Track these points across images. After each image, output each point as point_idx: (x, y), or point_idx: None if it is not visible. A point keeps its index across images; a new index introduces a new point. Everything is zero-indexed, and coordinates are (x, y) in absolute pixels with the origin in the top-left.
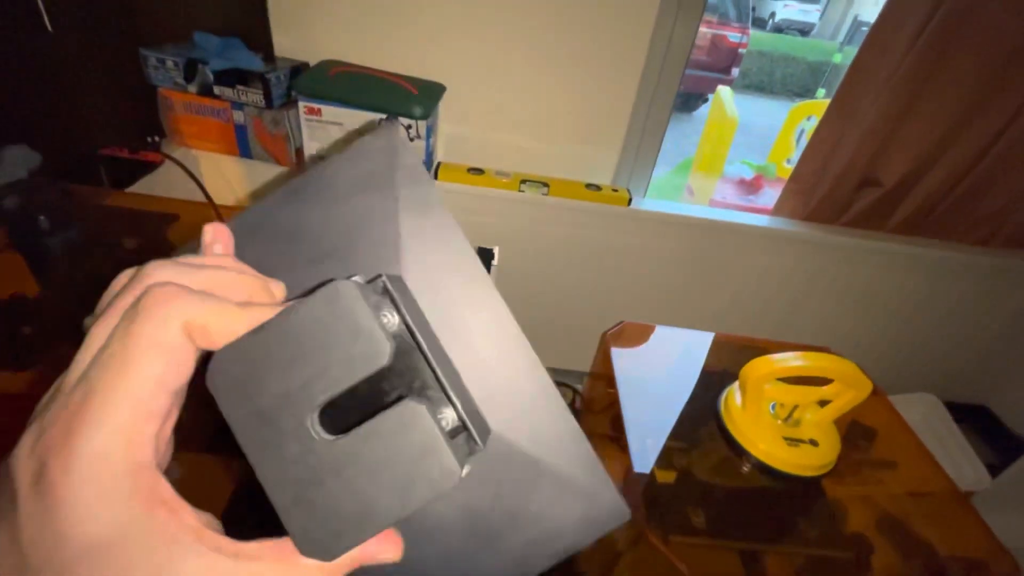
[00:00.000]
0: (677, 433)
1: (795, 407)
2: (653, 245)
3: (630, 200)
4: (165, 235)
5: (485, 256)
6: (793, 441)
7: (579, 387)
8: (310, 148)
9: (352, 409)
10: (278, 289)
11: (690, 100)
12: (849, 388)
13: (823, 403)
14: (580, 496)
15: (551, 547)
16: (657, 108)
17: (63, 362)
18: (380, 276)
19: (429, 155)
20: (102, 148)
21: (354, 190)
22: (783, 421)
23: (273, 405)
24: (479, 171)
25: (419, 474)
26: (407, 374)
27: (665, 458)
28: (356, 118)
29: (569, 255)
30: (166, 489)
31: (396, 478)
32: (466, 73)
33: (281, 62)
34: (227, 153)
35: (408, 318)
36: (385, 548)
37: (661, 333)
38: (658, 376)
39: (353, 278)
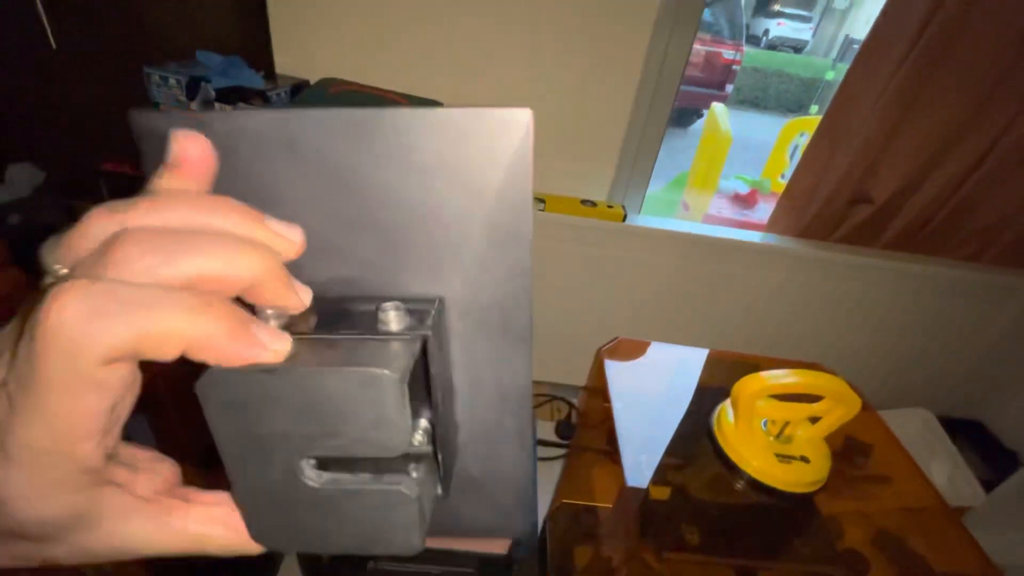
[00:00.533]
0: (671, 450)
1: (786, 424)
2: (648, 261)
3: (625, 216)
4: None
5: None
6: (785, 458)
7: (574, 401)
8: None
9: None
10: (293, 246)
11: (684, 115)
12: (839, 405)
13: (814, 420)
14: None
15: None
16: (652, 124)
17: None
18: (424, 325)
19: None
20: (104, 163)
21: (449, 166)
22: (775, 438)
23: (268, 437)
24: None
25: (384, 536)
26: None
27: (659, 474)
28: None
29: (565, 270)
30: (112, 472)
31: (363, 531)
32: (462, 89)
33: (282, 80)
34: None
35: (438, 399)
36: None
37: (656, 349)
38: (653, 392)
39: (391, 307)
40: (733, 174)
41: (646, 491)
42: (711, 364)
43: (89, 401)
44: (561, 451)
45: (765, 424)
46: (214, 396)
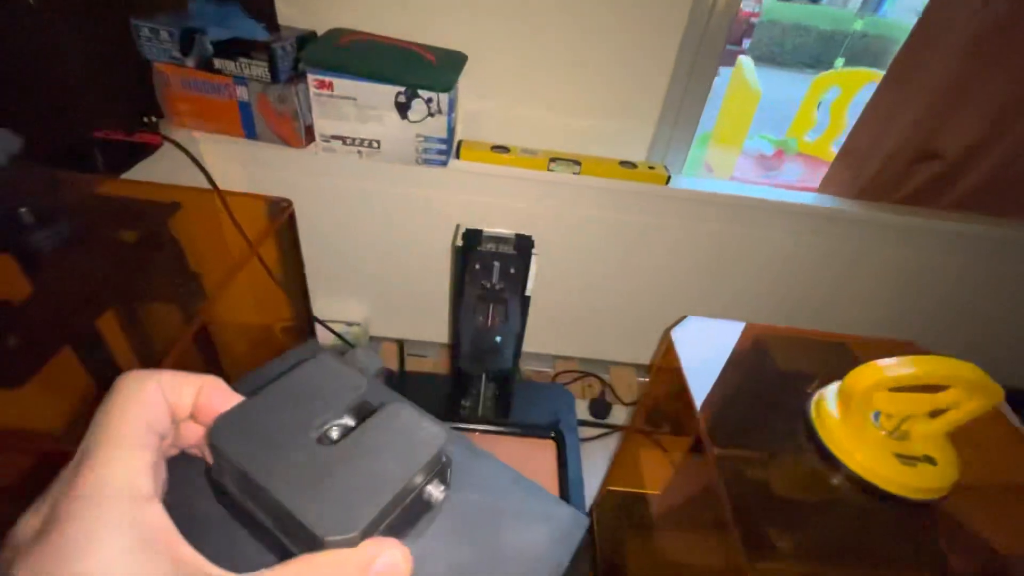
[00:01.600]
0: (754, 440)
1: (905, 418)
2: (692, 228)
3: (669, 178)
4: (167, 226)
5: (524, 244)
6: (907, 459)
7: (606, 377)
8: (322, 127)
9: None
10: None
11: None
12: (973, 396)
13: (934, 413)
14: (539, 520)
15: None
16: (698, 76)
17: (57, 376)
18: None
19: (451, 132)
20: (94, 131)
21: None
22: (889, 434)
23: (275, 433)
24: (504, 149)
25: (414, 443)
26: None
27: (742, 467)
28: (372, 93)
29: (599, 239)
30: (163, 518)
31: (396, 451)
32: (488, 41)
33: (286, 31)
34: (232, 135)
35: None
36: (394, 559)
37: (724, 327)
38: (728, 375)
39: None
40: (756, 133)
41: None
42: (788, 344)
43: (146, 411)
44: (598, 431)
45: (876, 417)
46: (223, 434)
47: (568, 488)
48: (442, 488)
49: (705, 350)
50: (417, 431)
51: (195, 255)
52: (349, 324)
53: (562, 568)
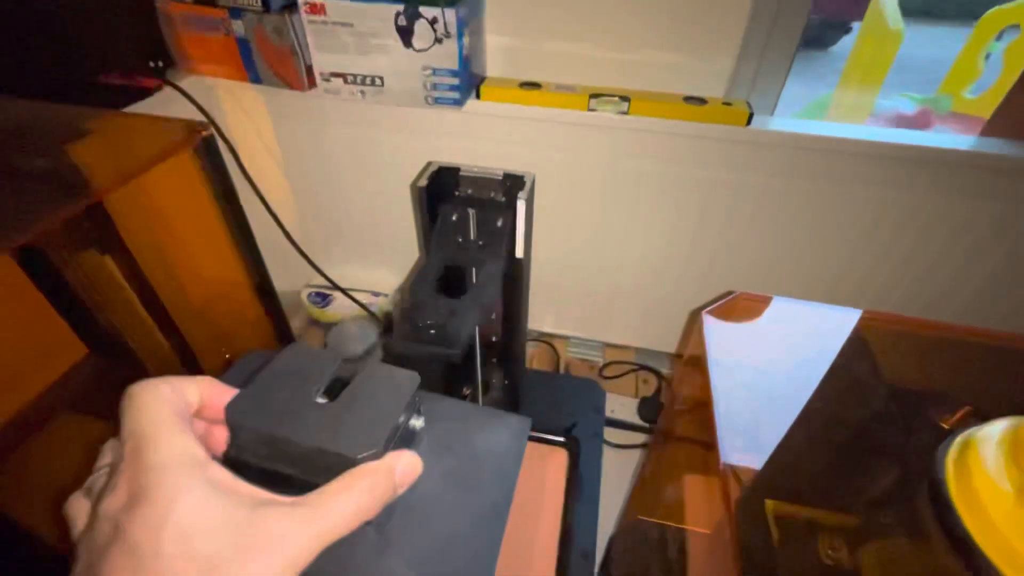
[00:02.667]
0: (830, 494)
1: None
2: (784, 185)
3: (751, 117)
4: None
5: (515, 183)
6: None
7: (664, 371)
8: (320, 63)
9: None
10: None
11: (826, 32)
12: None
13: None
14: (496, 427)
15: (504, 471)
16: None
17: None
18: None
19: (464, 64)
20: (102, 76)
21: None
22: None
23: (281, 403)
24: (535, 85)
25: (397, 385)
26: None
27: (811, 542)
28: (369, 15)
29: (661, 199)
30: (222, 470)
31: (386, 392)
32: None
33: None
34: (236, 78)
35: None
36: (410, 460)
37: (789, 309)
38: (786, 384)
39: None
40: (895, 94)
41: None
42: (911, 344)
43: (170, 402)
44: (645, 437)
45: None
46: (238, 412)
47: (575, 512)
48: (421, 419)
49: (760, 342)
50: (396, 377)
51: (100, 178)
52: (375, 294)
53: (521, 457)
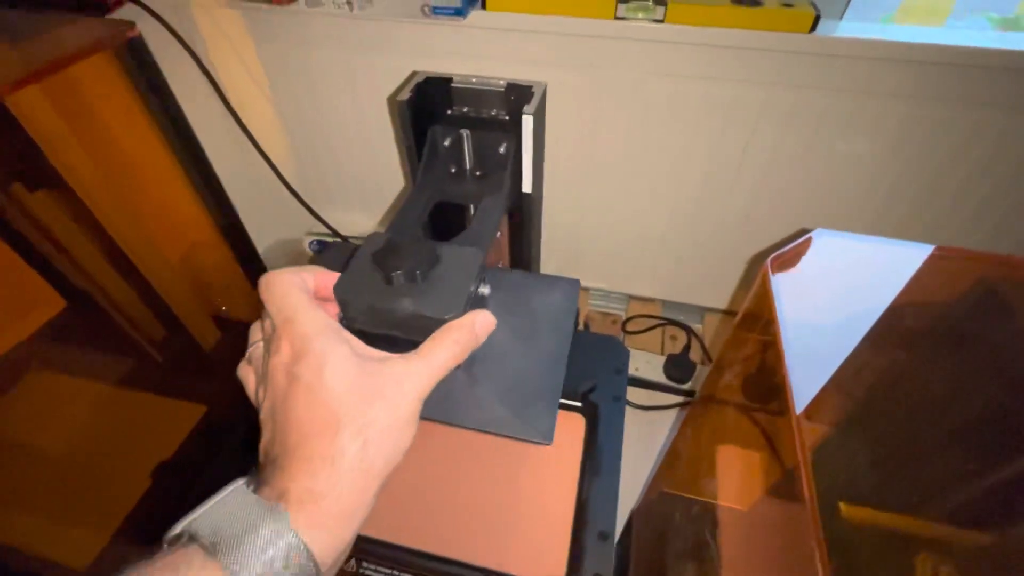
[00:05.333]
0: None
1: None
2: (851, 106)
3: (817, 20)
4: None
5: (521, 93)
6: None
7: (698, 327)
8: None
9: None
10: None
11: None
12: None
13: None
14: (550, 289)
15: (560, 325)
16: None
17: None
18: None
19: None
20: None
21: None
22: None
23: (376, 282)
24: None
25: (465, 262)
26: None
27: (895, 557)
28: None
29: (695, 129)
30: (349, 334)
31: (459, 267)
32: None
33: None
34: None
35: None
36: (485, 317)
37: (887, 253)
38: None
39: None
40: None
41: None
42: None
43: (299, 283)
44: (675, 399)
45: None
46: (344, 288)
47: (592, 484)
48: (487, 286)
49: (843, 293)
50: (464, 255)
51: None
52: None
53: (573, 312)
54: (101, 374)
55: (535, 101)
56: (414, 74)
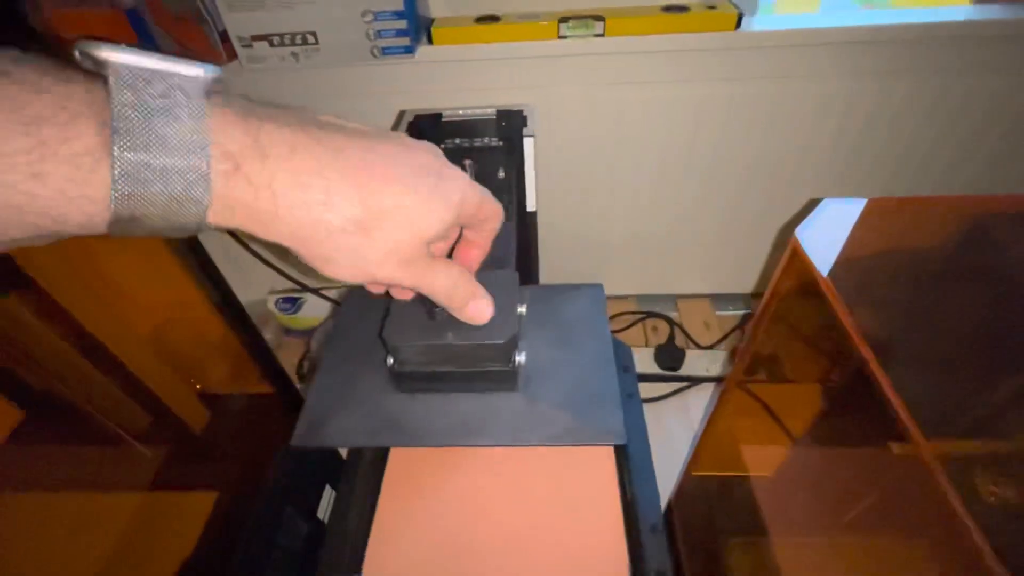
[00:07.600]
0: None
1: None
2: (778, 90)
3: (740, 20)
4: None
5: (513, 121)
6: None
7: (673, 315)
8: (235, 26)
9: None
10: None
11: None
12: None
13: None
14: (576, 297)
15: (595, 329)
16: None
17: None
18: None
19: (409, 4)
20: None
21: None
22: None
23: (424, 322)
24: (493, 19)
25: (505, 285)
26: None
27: (959, 479)
28: None
29: (648, 126)
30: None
31: (502, 291)
32: None
33: None
34: None
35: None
36: (484, 304)
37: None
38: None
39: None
40: None
41: None
42: None
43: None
44: (670, 386)
45: None
46: (390, 332)
47: (631, 481)
48: (524, 305)
49: (881, 252)
50: (500, 278)
51: None
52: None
53: (604, 313)
54: (91, 481)
55: (532, 123)
56: (403, 113)
